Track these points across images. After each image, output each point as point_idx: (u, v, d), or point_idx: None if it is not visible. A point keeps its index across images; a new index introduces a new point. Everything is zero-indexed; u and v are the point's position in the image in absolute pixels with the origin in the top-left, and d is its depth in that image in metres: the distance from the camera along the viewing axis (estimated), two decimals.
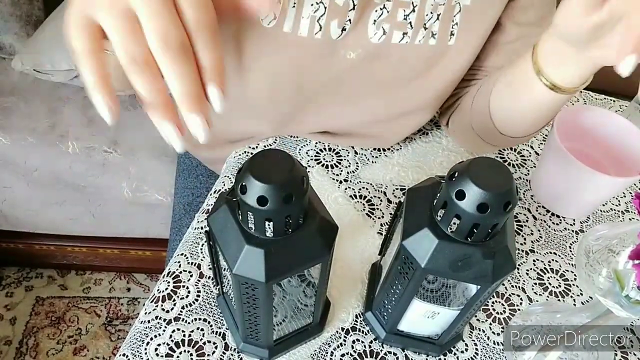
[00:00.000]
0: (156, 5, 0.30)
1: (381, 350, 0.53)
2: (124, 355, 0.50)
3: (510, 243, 0.41)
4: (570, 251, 0.65)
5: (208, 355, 0.50)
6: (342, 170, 0.68)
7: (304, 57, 0.58)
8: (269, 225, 0.37)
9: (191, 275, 0.55)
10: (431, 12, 0.56)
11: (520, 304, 0.59)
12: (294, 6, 0.53)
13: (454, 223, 0.39)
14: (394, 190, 0.67)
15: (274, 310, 0.47)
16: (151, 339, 0.51)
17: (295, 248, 0.39)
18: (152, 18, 0.30)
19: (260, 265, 0.38)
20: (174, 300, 0.53)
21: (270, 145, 0.69)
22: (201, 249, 0.58)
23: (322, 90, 0.62)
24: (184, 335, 0.51)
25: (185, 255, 0.57)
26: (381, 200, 0.66)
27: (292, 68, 0.59)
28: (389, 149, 0.72)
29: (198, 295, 0.54)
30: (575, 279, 0.62)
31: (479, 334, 0.56)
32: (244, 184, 0.35)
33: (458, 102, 0.69)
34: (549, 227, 0.67)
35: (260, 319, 0.45)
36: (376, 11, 0.55)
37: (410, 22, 0.56)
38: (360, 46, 0.58)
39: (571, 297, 0.60)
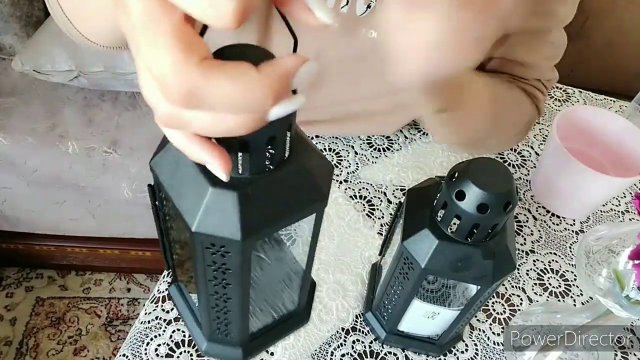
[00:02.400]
0: None
1: (381, 351, 0.53)
2: (124, 355, 0.50)
3: (510, 243, 0.41)
4: (570, 251, 0.65)
5: None
6: (342, 171, 0.68)
7: (325, 30, 0.58)
8: (242, 158, 0.27)
9: None
10: None
11: (520, 304, 0.59)
12: None
13: (454, 223, 0.39)
14: (394, 191, 0.67)
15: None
16: (151, 339, 0.51)
17: (281, 190, 0.29)
18: None
19: (233, 216, 0.27)
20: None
21: None
22: None
23: (337, 67, 0.62)
24: (184, 336, 0.51)
25: None
26: (381, 201, 0.66)
27: (310, 39, 0.59)
28: (389, 149, 0.72)
29: None
30: (575, 279, 0.62)
31: (479, 334, 0.56)
32: None
33: None
34: (549, 227, 0.67)
35: (232, 304, 0.33)
36: None
37: None
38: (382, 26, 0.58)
39: (571, 297, 0.60)
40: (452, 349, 0.54)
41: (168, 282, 0.42)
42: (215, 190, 0.27)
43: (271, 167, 0.28)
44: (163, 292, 0.54)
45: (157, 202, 0.31)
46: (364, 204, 0.65)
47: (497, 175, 0.37)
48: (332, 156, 0.70)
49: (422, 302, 0.46)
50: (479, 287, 0.41)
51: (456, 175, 0.38)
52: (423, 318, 0.48)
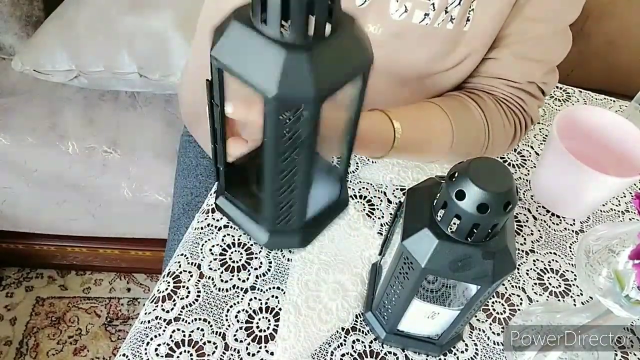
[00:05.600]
0: None
1: (381, 350, 0.53)
2: (124, 355, 0.50)
3: (510, 243, 0.41)
4: (570, 251, 0.65)
5: (208, 355, 0.50)
6: None
7: None
8: (308, 21, 0.30)
9: (191, 276, 0.55)
10: None
11: (520, 304, 0.59)
12: None
13: (454, 223, 0.39)
14: (394, 190, 0.67)
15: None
16: (151, 339, 0.51)
17: (341, 52, 0.32)
18: None
19: (306, 77, 0.29)
20: (174, 300, 0.53)
21: None
22: (201, 249, 0.58)
23: None
24: (184, 335, 0.51)
25: (185, 255, 0.57)
26: (381, 200, 0.66)
27: None
28: None
29: (198, 295, 0.54)
30: (575, 279, 0.62)
31: (479, 334, 0.56)
32: None
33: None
34: (549, 227, 0.67)
35: (299, 179, 0.35)
36: None
37: (433, 4, 0.57)
38: (380, 21, 0.58)
39: (571, 297, 0.60)
40: (452, 348, 0.54)
41: (215, 194, 0.45)
42: (289, 55, 0.29)
43: (329, 32, 0.31)
44: (163, 291, 0.54)
45: (213, 100, 0.34)
46: (364, 204, 0.65)
47: (497, 175, 0.37)
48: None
49: (422, 301, 0.46)
50: (479, 287, 0.41)
51: (456, 175, 0.38)
52: (423, 318, 0.48)
